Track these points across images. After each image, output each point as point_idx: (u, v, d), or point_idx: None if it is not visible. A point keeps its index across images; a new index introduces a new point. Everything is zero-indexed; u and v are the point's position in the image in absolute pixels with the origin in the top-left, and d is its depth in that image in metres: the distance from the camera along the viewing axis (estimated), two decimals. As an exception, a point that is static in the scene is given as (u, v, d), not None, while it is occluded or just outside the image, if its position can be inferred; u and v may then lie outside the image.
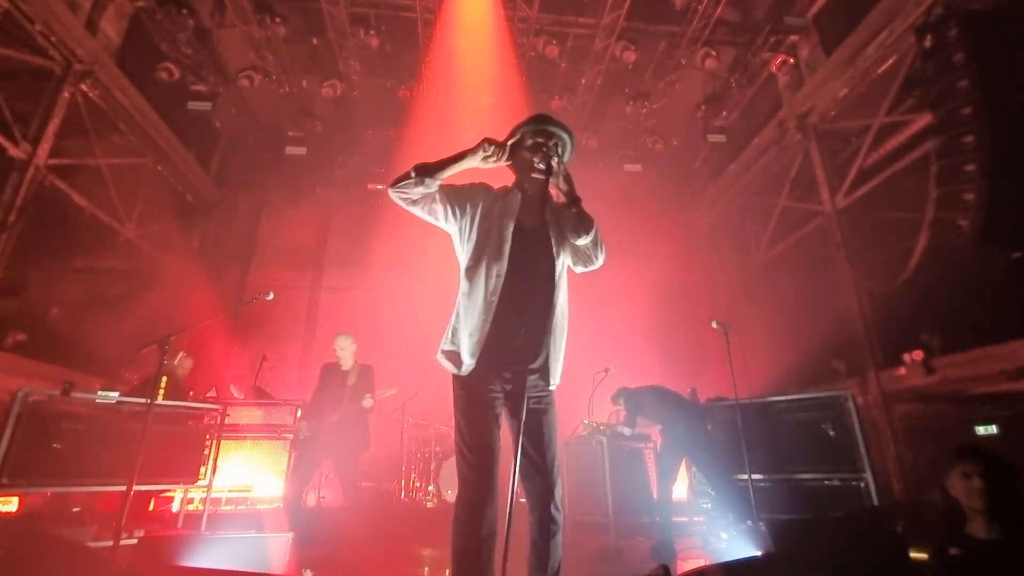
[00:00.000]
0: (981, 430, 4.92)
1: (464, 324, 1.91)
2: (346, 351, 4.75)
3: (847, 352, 6.31)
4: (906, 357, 5.44)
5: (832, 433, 4.36)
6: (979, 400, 5.02)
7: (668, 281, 9.74)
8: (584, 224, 1.93)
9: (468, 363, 1.88)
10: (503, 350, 1.87)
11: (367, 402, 4.52)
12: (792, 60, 7.21)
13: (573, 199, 1.94)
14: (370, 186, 9.30)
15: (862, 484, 4.15)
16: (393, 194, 1.88)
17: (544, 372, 1.94)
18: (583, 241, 1.96)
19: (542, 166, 1.90)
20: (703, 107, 8.22)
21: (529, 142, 1.99)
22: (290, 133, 8.65)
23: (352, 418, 4.53)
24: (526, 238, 1.96)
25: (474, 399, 1.87)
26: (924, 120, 5.50)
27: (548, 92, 8.26)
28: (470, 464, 1.79)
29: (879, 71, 6.00)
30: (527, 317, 1.88)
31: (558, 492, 1.84)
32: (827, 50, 6.72)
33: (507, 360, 1.88)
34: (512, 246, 1.92)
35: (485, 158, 1.92)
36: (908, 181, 5.69)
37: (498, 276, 1.89)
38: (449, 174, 1.92)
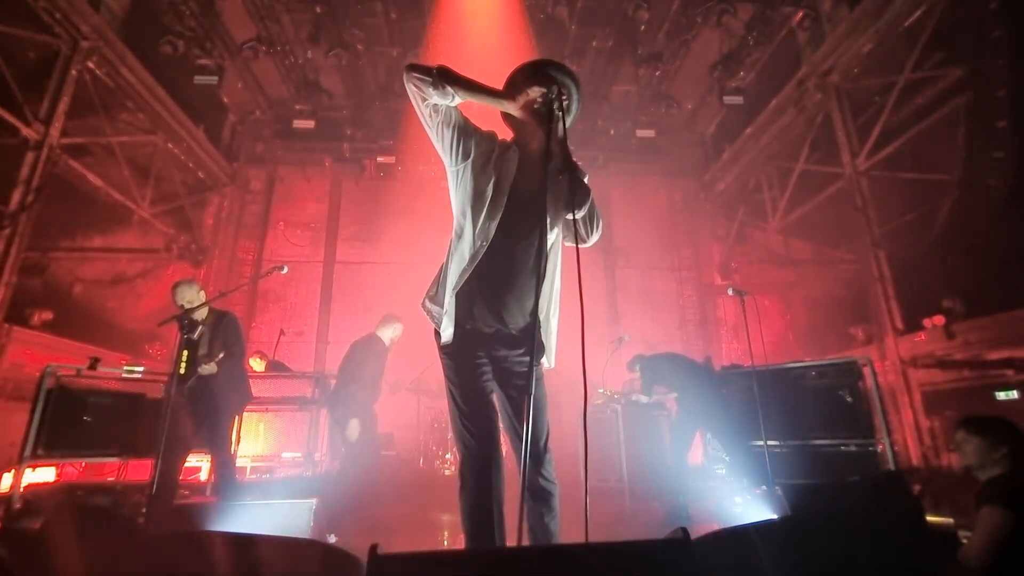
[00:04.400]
0: (1001, 395, 4.85)
1: (448, 284, 1.86)
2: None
3: (865, 318, 6.22)
4: (927, 322, 5.35)
5: (849, 399, 4.33)
6: (1000, 365, 4.94)
7: (682, 248, 9.63)
8: (578, 196, 1.72)
9: (444, 328, 1.84)
10: (485, 312, 1.83)
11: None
12: (813, 14, 6.88)
13: (566, 164, 1.67)
14: (380, 159, 9.22)
15: (879, 449, 4.14)
16: (407, 81, 1.70)
17: (531, 346, 1.77)
18: (576, 214, 1.74)
19: (543, 111, 1.69)
20: (719, 68, 7.92)
21: (529, 91, 1.75)
22: (297, 107, 8.56)
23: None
24: (520, 202, 1.82)
25: (461, 367, 1.84)
26: (953, 76, 5.26)
27: (558, 56, 8.01)
28: (470, 432, 1.76)
29: (906, 24, 5.69)
30: (512, 283, 1.82)
31: (547, 467, 1.82)
32: (851, 3, 6.40)
33: (489, 325, 1.84)
34: (504, 210, 1.80)
35: (520, 106, 1.75)
36: (934, 141, 5.48)
37: (485, 238, 1.79)
38: (470, 98, 1.73)
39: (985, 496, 2.10)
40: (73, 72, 5.72)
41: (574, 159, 1.72)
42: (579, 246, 1.82)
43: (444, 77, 1.67)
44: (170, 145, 7.56)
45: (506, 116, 1.91)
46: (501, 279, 1.82)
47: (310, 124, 8.50)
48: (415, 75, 1.68)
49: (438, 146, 1.84)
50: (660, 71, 7.97)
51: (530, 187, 1.83)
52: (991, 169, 4.67)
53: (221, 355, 3.65)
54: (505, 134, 1.99)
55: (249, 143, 9.37)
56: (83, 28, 5.70)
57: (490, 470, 1.72)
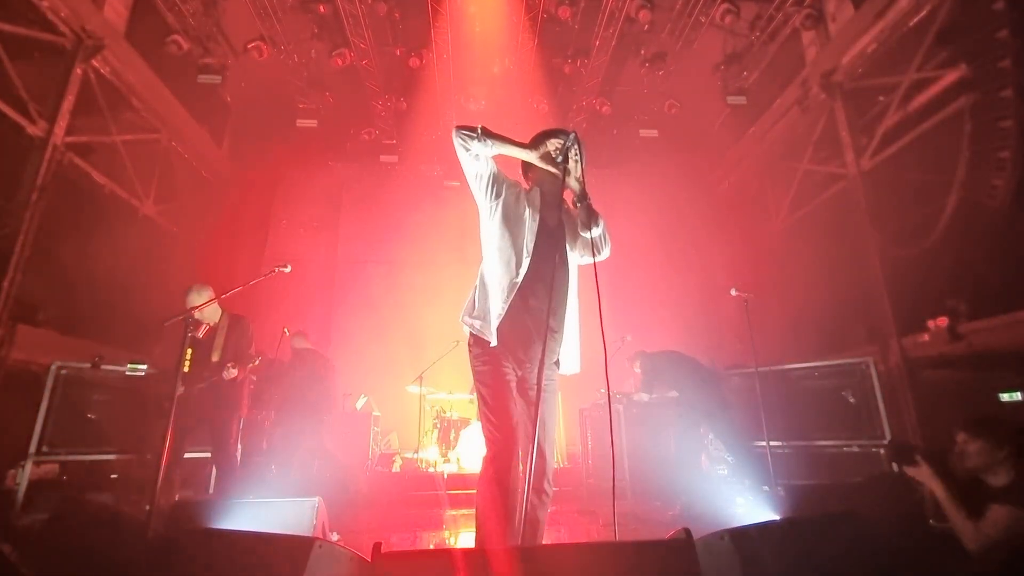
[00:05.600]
0: (1005, 397, 4.84)
1: (487, 301, 2.18)
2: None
3: (868, 319, 6.20)
4: (930, 323, 5.33)
5: (852, 400, 4.34)
6: (1004, 366, 4.92)
7: (686, 248, 9.61)
8: (593, 218, 2.22)
9: (489, 337, 2.10)
10: (519, 330, 2.13)
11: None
12: (817, 14, 6.86)
13: (583, 195, 2.22)
14: (382, 158, 9.23)
15: (882, 451, 4.13)
16: (456, 137, 2.14)
17: (553, 355, 2.18)
18: (592, 233, 2.24)
19: (560, 158, 2.18)
20: (722, 67, 7.91)
21: (548, 144, 2.27)
22: (300, 106, 8.57)
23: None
24: (545, 233, 2.23)
25: (493, 372, 2.10)
26: (958, 75, 5.23)
27: (560, 56, 8.02)
28: (497, 428, 2.02)
29: (911, 23, 5.67)
30: (540, 303, 2.11)
31: (550, 469, 2.11)
32: (855, 2, 6.38)
33: (521, 340, 2.13)
34: (535, 240, 2.18)
35: (541, 157, 2.22)
36: (938, 141, 5.45)
37: (519, 265, 2.15)
38: (503, 151, 2.20)
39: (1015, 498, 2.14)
40: (77, 71, 5.73)
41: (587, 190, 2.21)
42: (596, 260, 2.28)
43: (486, 133, 2.14)
44: (173, 144, 7.57)
45: (527, 170, 2.40)
46: (531, 295, 2.15)
47: (313, 123, 8.51)
48: (463, 132, 2.13)
49: (475, 187, 2.27)
50: (663, 71, 7.96)
51: (551, 220, 2.29)
52: (995, 169, 4.65)
53: (258, 361, 3.95)
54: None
55: (252, 142, 9.38)
56: (87, 27, 5.72)
57: (511, 462, 1.97)
